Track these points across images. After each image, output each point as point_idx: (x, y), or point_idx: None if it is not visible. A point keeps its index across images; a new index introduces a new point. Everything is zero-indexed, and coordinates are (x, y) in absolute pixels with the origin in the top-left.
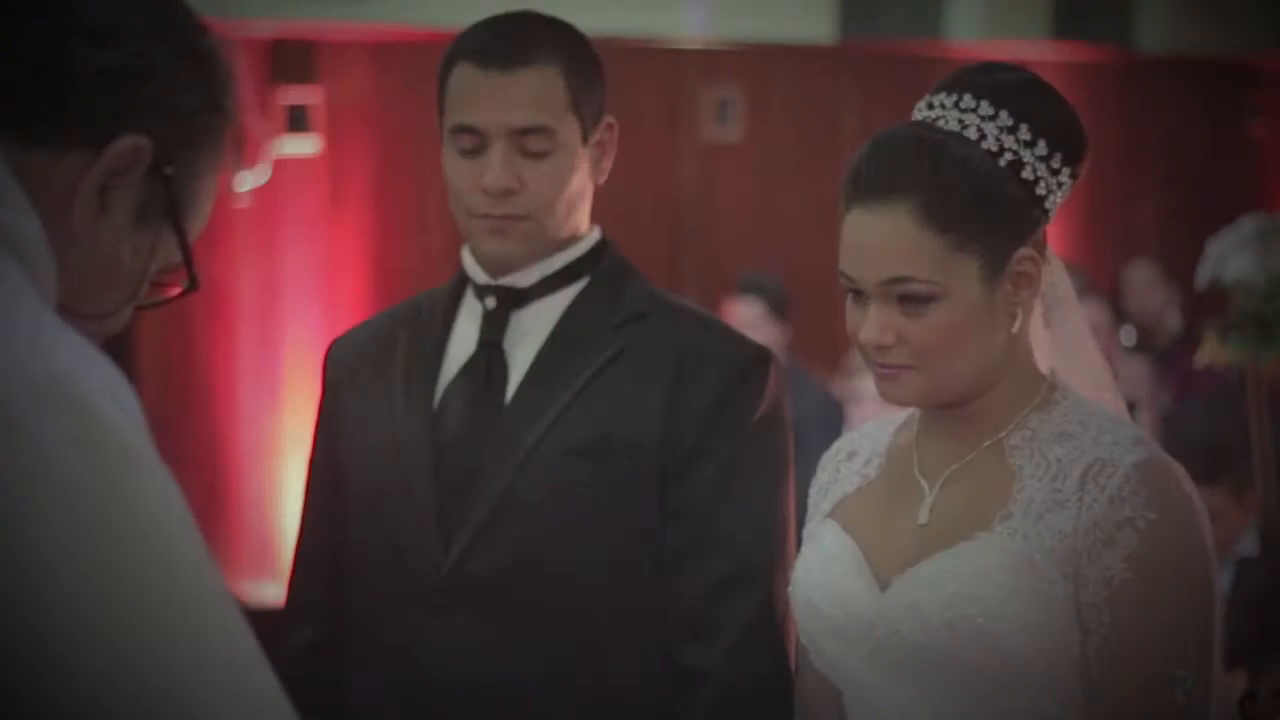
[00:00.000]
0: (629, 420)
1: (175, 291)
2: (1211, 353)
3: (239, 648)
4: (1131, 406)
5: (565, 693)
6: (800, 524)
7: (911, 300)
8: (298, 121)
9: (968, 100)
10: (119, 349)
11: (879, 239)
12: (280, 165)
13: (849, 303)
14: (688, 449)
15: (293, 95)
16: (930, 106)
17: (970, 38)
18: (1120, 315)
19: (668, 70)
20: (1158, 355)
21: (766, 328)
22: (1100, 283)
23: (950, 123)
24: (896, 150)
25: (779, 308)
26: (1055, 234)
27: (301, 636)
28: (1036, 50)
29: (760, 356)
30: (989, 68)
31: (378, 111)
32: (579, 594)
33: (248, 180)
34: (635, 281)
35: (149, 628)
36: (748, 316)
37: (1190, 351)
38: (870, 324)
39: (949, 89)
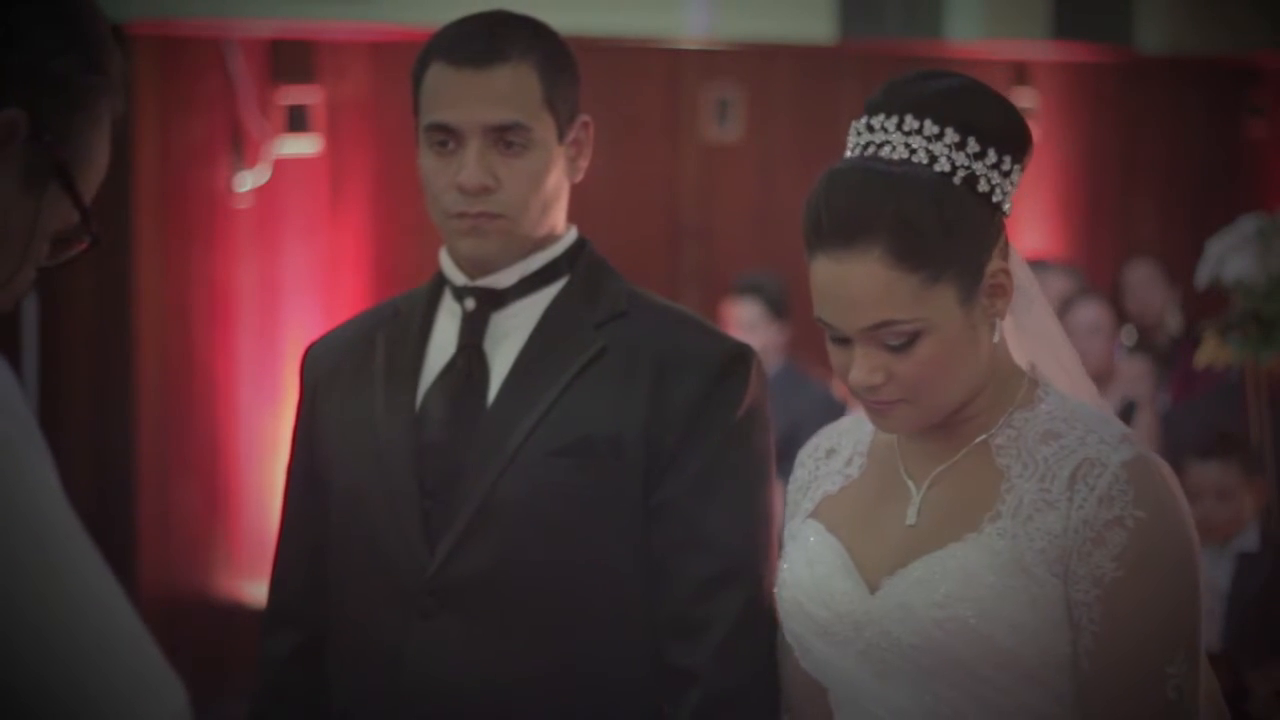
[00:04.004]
0: (611, 420)
1: (80, 247)
2: (1211, 353)
3: (127, 631)
4: (1131, 406)
5: (552, 694)
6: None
7: (897, 339)
8: (298, 121)
9: (910, 122)
10: (119, 349)
11: (854, 287)
12: (280, 165)
13: (831, 344)
14: (670, 448)
15: (293, 95)
16: (870, 130)
17: (970, 38)
18: (1120, 315)
19: (668, 70)
20: (1158, 355)
21: (765, 328)
22: (1100, 283)
23: (897, 150)
24: (854, 193)
25: (778, 308)
26: (1055, 234)
27: (284, 641)
28: (1036, 50)
29: (741, 354)
30: (922, 78)
31: (378, 111)
32: (565, 595)
33: (248, 180)
34: (613, 280)
35: (40, 617)
36: (747, 317)
37: (1190, 351)
38: (859, 367)
39: (887, 109)
